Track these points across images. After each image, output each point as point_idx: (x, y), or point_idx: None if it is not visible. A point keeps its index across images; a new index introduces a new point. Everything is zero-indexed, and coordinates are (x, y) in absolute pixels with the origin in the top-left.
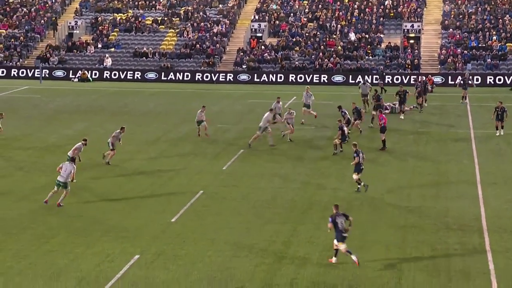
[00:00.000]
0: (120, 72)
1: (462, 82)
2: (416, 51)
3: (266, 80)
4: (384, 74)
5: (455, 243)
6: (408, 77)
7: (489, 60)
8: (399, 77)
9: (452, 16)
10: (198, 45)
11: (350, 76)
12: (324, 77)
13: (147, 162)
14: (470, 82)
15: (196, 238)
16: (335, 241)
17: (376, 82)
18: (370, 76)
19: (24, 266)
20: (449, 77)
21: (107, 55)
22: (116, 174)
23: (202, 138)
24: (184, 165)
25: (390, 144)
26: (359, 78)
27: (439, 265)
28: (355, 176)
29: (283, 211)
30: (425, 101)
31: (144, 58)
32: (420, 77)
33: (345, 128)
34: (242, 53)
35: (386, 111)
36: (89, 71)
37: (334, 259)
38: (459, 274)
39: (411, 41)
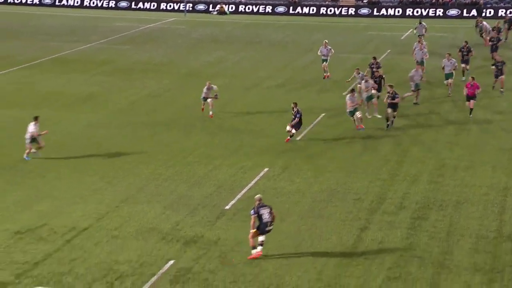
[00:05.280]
0: (253, 6)
1: None
2: None
3: (385, 13)
4: (483, 7)
5: None
6: None
7: None
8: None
9: None
10: None
11: (465, 10)
12: (439, 11)
13: (276, 85)
14: None
15: (318, 155)
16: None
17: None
18: (484, 11)
19: (171, 173)
20: None
21: None
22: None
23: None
24: (308, 91)
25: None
26: (474, 12)
27: None
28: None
29: (399, 132)
30: None
31: None
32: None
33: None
34: None
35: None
36: (227, 5)
37: (258, 250)
38: None
39: None
